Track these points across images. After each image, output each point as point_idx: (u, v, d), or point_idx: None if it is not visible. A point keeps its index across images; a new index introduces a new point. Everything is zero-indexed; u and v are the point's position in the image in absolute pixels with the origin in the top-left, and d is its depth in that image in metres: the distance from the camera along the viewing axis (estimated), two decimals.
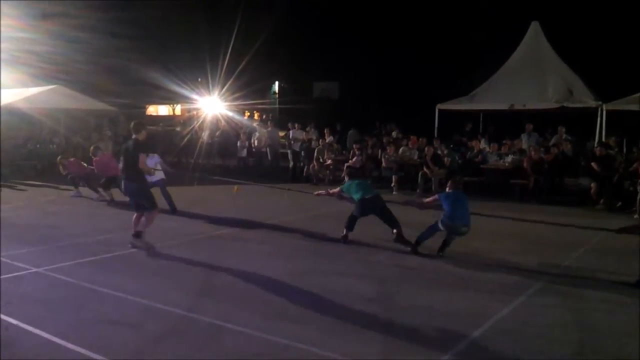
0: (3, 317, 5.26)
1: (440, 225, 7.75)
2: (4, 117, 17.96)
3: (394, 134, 17.59)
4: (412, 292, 6.27)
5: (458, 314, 5.54)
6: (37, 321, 5.16)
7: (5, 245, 7.87)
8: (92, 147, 12.66)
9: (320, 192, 9.91)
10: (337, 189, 9.17)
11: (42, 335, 4.88)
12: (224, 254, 7.92)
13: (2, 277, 6.62)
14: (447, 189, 8.13)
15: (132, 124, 8.27)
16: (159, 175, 11.11)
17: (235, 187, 11.23)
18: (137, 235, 8.04)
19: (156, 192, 11.07)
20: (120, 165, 8.37)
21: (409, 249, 7.95)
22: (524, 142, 15.07)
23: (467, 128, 17.99)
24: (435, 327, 5.20)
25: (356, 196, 8.49)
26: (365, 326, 5.22)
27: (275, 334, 4.93)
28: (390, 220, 8.29)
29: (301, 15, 29.06)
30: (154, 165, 10.96)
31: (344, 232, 8.56)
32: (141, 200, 8.11)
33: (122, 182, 8.18)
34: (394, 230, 8.16)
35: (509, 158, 13.84)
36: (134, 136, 8.13)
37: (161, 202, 11.17)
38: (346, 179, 9.06)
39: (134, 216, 8.21)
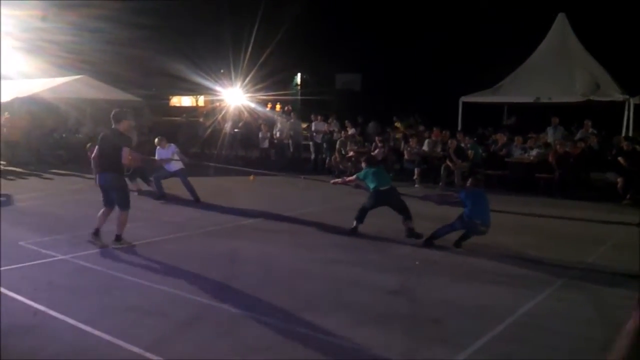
0: (32, 303, 5.37)
1: (458, 224, 7.70)
2: (31, 107, 18.26)
3: (410, 121, 17.41)
4: (434, 285, 6.25)
5: (481, 308, 5.50)
6: (64, 307, 5.25)
7: (32, 233, 8.03)
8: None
9: (336, 180, 9.89)
10: (353, 177, 9.14)
11: (68, 321, 4.97)
12: (247, 245, 7.97)
13: (29, 263, 6.77)
14: (467, 186, 8.06)
15: (113, 112, 7.59)
16: (178, 165, 11.22)
17: (251, 176, 11.26)
18: (97, 233, 7.53)
19: (176, 182, 11.25)
20: (93, 154, 7.78)
21: (421, 239, 7.96)
22: (550, 135, 14.87)
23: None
24: (457, 321, 5.17)
25: (371, 186, 8.47)
26: (388, 318, 5.21)
27: (299, 324, 4.96)
28: (404, 213, 8.26)
29: (324, 6, 28.94)
30: (170, 155, 11.13)
31: (354, 224, 8.53)
32: (113, 194, 7.48)
33: (97, 175, 7.62)
34: (405, 222, 8.17)
35: (534, 152, 13.67)
36: (113, 126, 7.49)
37: (183, 192, 11.33)
38: (364, 165, 9.01)
39: (101, 211, 7.63)
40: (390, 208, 8.42)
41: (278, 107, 28.24)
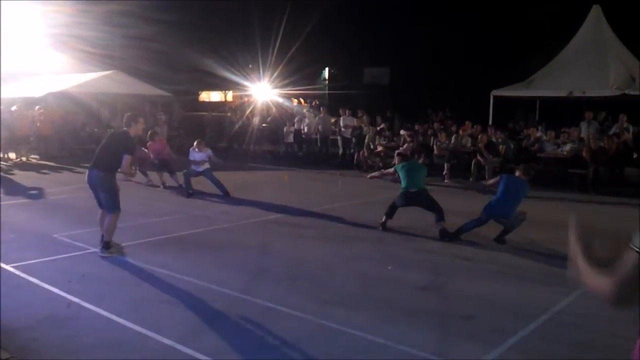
0: (66, 295, 5.45)
1: (484, 216, 7.57)
2: (63, 102, 18.59)
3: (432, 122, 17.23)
4: (465, 282, 6.15)
5: (513, 305, 5.41)
6: (97, 299, 5.32)
7: (65, 226, 8.16)
8: (149, 132, 12.76)
9: (374, 174, 9.80)
10: (391, 169, 9.03)
11: (101, 313, 5.03)
12: (276, 238, 7.98)
13: (63, 256, 6.89)
14: (515, 173, 7.92)
15: (126, 116, 7.29)
16: (206, 165, 11.36)
17: (285, 176, 11.28)
18: (107, 246, 6.88)
19: (204, 180, 11.29)
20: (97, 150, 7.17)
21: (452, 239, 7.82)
22: (583, 130, 14.55)
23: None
24: (489, 318, 5.09)
25: (402, 184, 8.38)
26: (417, 314, 5.15)
27: (328, 318, 4.93)
28: (436, 213, 8.13)
29: (353, 0, 28.77)
30: (205, 158, 11.28)
31: (383, 219, 8.46)
32: (101, 195, 6.89)
33: (88, 170, 7.03)
34: (438, 223, 8.04)
35: (568, 147, 13.40)
36: (125, 128, 7.13)
37: (210, 187, 11.35)
38: (397, 160, 8.90)
39: (99, 213, 7.04)
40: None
41: (302, 102, 28.23)
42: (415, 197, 8.27)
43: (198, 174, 11.39)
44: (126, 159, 6.77)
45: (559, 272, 6.49)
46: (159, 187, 12.22)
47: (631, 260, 1.66)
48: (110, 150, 6.90)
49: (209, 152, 11.49)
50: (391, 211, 8.44)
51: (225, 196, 11.12)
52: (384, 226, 8.45)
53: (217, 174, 11.46)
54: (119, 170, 6.87)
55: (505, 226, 7.63)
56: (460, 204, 9.92)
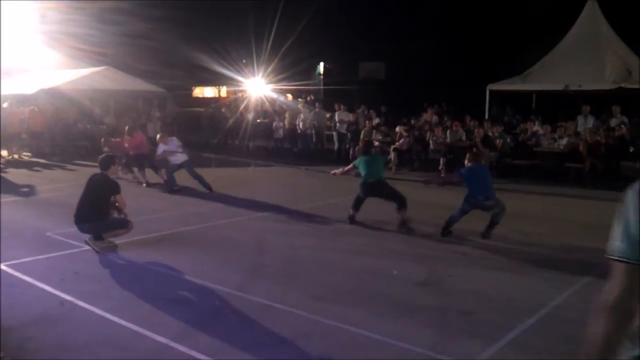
0: (59, 293, 5.38)
1: (466, 206, 7.55)
2: (55, 99, 18.44)
3: (426, 116, 17.16)
4: (463, 276, 6.11)
5: (511, 300, 5.37)
6: (91, 297, 5.26)
7: (58, 224, 8.05)
8: (127, 127, 12.65)
9: (335, 171, 9.70)
10: (350, 166, 8.94)
11: (95, 311, 4.98)
12: (271, 235, 7.92)
13: (56, 254, 6.81)
14: (466, 163, 7.86)
15: (100, 158, 7.29)
16: (183, 157, 11.24)
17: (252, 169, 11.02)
18: (99, 237, 6.90)
19: (182, 174, 11.18)
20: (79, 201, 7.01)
21: (411, 232, 7.80)
22: (580, 124, 14.52)
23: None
24: (487, 313, 5.05)
25: (362, 175, 8.34)
26: (415, 310, 5.11)
27: (325, 315, 4.88)
28: (397, 201, 8.08)
29: None
30: (175, 148, 11.20)
31: (351, 212, 8.44)
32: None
33: (81, 226, 6.91)
34: (399, 213, 7.98)
35: (564, 141, 13.37)
36: (101, 171, 7.15)
37: (193, 183, 11.26)
38: (358, 153, 8.88)
39: None
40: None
41: (290, 96, 28.15)
42: (375, 187, 8.24)
43: (178, 167, 11.24)
44: (119, 199, 6.97)
45: (556, 267, 6.48)
46: (142, 184, 12.01)
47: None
48: (95, 197, 6.92)
49: (175, 140, 11.37)
50: (356, 204, 8.42)
51: (209, 191, 11.02)
52: (351, 219, 8.43)
53: (213, 170, 11.38)
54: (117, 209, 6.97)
55: (492, 216, 7.55)
56: (455, 198, 9.86)
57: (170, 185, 11.17)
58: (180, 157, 11.22)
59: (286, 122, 18.58)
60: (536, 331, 4.69)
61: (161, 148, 11.28)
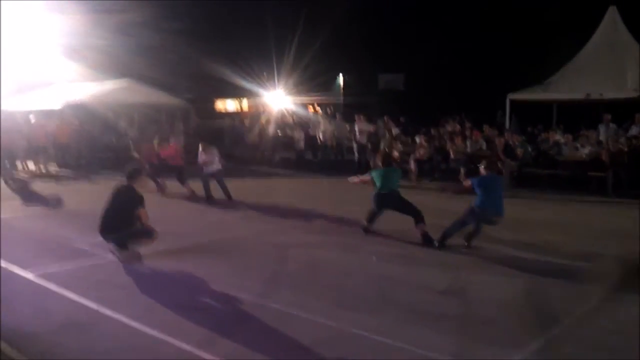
0: (84, 301, 5.48)
1: (470, 217, 7.40)
2: (80, 112, 18.77)
3: (449, 126, 17.13)
4: (485, 284, 6.09)
5: (535, 309, 5.33)
6: (116, 305, 5.33)
7: (83, 234, 8.18)
8: (158, 139, 13.01)
9: (354, 179, 9.69)
10: (367, 176, 8.92)
11: (120, 318, 5.04)
12: (292, 244, 7.96)
13: (82, 263, 6.94)
14: (481, 171, 7.63)
15: (127, 169, 7.39)
16: (216, 167, 11.63)
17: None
18: (124, 247, 6.98)
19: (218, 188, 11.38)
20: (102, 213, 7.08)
21: (435, 245, 7.64)
22: (602, 133, 14.38)
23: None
24: (511, 321, 5.02)
25: (376, 187, 8.31)
26: (437, 317, 5.10)
27: (346, 322, 4.89)
28: (412, 214, 7.99)
29: (364, 7, 28.78)
30: (213, 158, 11.62)
31: (365, 223, 8.44)
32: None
33: (105, 237, 6.99)
34: (417, 226, 7.89)
35: (586, 150, 13.25)
36: (127, 182, 7.17)
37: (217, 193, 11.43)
38: (379, 163, 8.85)
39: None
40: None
41: (314, 108, 28.29)
42: (387, 199, 8.17)
43: (211, 176, 11.55)
44: (142, 212, 6.94)
45: (579, 276, 6.42)
46: (163, 191, 12.33)
47: None
48: (120, 207, 6.97)
49: (215, 151, 11.82)
50: (370, 216, 8.39)
51: (228, 199, 11.35)
52: (365, 230, 8.42)
53: (234, 180, 11.54)
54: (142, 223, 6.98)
55: (480, 226, 7.44)
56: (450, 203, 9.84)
57: (207, 195, 11.54)
58: (214, 167, 11.61)
59: (310, 133, 18.73)
60: (561, 338, 4.65)
61: (202, 157, 11.71)
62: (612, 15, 16.14)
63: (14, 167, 16.23)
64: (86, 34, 23.88)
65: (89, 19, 24.38)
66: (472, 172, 13.97)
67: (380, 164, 8.81)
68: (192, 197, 11.93)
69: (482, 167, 7.65)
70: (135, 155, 13.79)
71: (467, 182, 7.75)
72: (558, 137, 14.58)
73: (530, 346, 4.49)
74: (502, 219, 7.41)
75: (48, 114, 18.65)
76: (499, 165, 7.87)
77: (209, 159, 11.63)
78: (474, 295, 5.75)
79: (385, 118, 18.00)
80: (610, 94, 14.65)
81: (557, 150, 13.82)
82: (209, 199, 11.47)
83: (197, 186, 11.96)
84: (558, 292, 5.86)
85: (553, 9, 22.45)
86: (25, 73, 21.54)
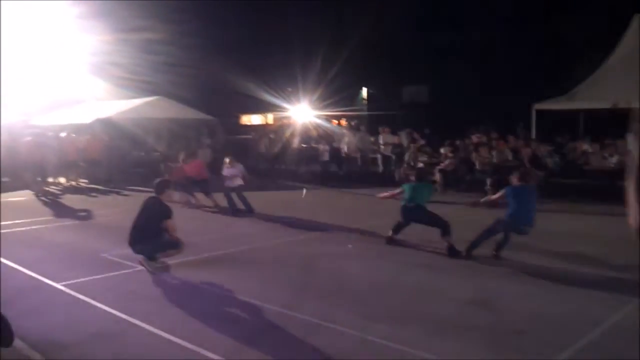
0: (114, 311, 5.57)
1: (500, 226, 7.34)
2: (109, 128, 19.15)
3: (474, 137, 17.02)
4: (514, 295, 6.03)
5: (564, 319, 5.26)
6: (145, 316, 5.41)
7: (113, 246, 8.32)
8: (183, 155, 13.27)
9: (384, 194, 9.67)
10: (399, 190, 8.90)
11: (149, 329, 5.11)
12: (318, 255, 7.98)
13: (112, 274, 7.06)
14: (513, 181, 7.55)
15: (155, 182, 7.57)
16: (238, 182, 11.86)
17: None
18: (153, 258, 7.20)
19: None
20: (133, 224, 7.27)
21: (462, 254, 7.59)
22: (630, 142, 14.12)
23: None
24: (540, 332, 4.96)
25: (403, 200, 8.33)
26: (466, 329, 5.06)
27: (373, 333, 4.89)
28: (439, 226, 7.97)
29: (388, 20, 28.87)
30: (237, 173, 11.90)
31: (390, 234, 8.47)
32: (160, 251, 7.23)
33: (134, 248, 7.17)
34: (443, 238, 7.86)
35: (615, 159, 13.05)
36: (155, 195, 7.38)
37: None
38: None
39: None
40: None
41: (343, 122, 28.46)
42: (413, 213, 8.19)
43: (232, 190, 11.74)
44: (169, 223, 7.09)
45: (609, 286, 6.31)
46: (179, 204, 12.42)
47: None
48: (148, 219, 7.16)
49: (241, 166, 12.09)
50: (396, 227, 8.44)
51: (250, 212, 11.50)
52: (389, 240, 8.45)
53: (260, 193, 11.65)
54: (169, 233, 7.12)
55: (506, 236, 7.38)
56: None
57: (231, 208, 11.71)
58: (236, 181, 11.82)
59: (335, 146, 18.83)
60: (591, 351, 4.59)
61: (226, 171, 11.94)
62: (637, 23, 15.94)
63: (46, 181, 16.61)
64: (113, 53, 24.44)
65: (116, 39, 24.96)
66: (499, 183, 13.92)
67: (413, 178, 8.88)
68: (217, 210, 12.12)
69: (515, 177, 7.58)
70: (165, 176, 13.97)
71: (500, 193, 7.71)
72: (586, 146, 14.39)
73: (560, 356, 4.43)
74: (531, 229, 7.34)
75: (79, 129, 19.05)
76: (532, 175, 7.75)
77: (234, 173, 11.85)
78: (503, 306, 5.69)
79: (409, 130, 18.02)
80: (637, 103, 14.40)
81: (584, 159, 13.64)
82: (234, 212, 11.61)
83: (221, 199, 12.12)
84: (589, 302, 5.77)
85: (578, 18, 22.25)
86: (57, 91, 22.11)
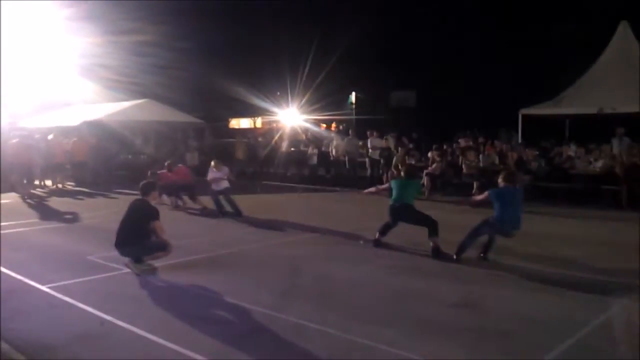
0: (99, 313, 5.54)
1: (486, 228, 7.37)
2: (97, 130, 19.07)
3: (462, 141, 17.17)
4: (499, 298, 6.06)
5: (549, 321, 5.29)
6: (130, 318, 5.38)
7: (98, 248, 8.29)
8: (167, 163, 13.28)
9: (370, 189, 9.65)
10: (386, 185, 8.87)
11: (135, 330, 5.09)
12: (305, 258, 7.98)
13: (97, 276, 7.02)
14: (499, 183, 7.53)
15: (141, 184, 7.51)
16: (225, 184, 11.87)
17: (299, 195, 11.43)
18: (139, 260, 7.12)
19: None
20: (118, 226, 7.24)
21: (454, 257, 7.58)
22: (615, 147, 14.31)
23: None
24: (525, 334, 4.99)
25: (390, 200, 8.33)
26: (451, 330, 5.08)
27: (360, 335, 4.90)
28: (427, 225, 7.97)
29: (376, 25, 29.03)
30: (223, 176, 11.89)
31: (377, 236, 8.47)
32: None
33: (121, 250, 7.14)
34: (430, 239, 7.87)
35: (600, 163, 13.19)
36: (141, 197, 7.36)
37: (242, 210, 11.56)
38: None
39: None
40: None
41: (333, 126, 28.54)
42: (400, 212, 8.18)
43: (219, 193, 11.76)
44: (157, 225, 7.04)
45: (594, 289, 6.37)
46: (166, 205, 12.48)
47: None
48: (135, 221, 7.11)
49: (226, 169, 12.09)
50: (384, 228, 8.44)
51: (238, 216, 11.45)
52: (376, 243, 8.43)
53: (248, 196, 11.64)
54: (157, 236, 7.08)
55: (494, 238, 7.43)
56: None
57: (218, 210, 11.73)
58: (222, 184, 11.83)
59: (323, 149, 18.88)
60: (576, 352, 4.62)
61: (211, 174, 11.92)
62: (623, 30, 16.16)
63: (32, 183, 16.49)
64: (102, 55, 24.35)
65: (104, 41, 24.85)
66: (485, 186, 14.01)
67: (403, 174, 8.83)
68: (204, 212, 12.15)
69: (500, 179, 7.58)
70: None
71: (484, 194, 7.72)
72: (571, 151, 14.54)
73: (546, 358, 4.46)
74: (518, 231, 7.39)
75: (66, 132, 18.95)
76: (518, 177, 7.76)
77: (219, 176, 11.85)
78: (488, 308, 5.73)
79: (397, 134, 18.12)
80: (623, 108, 14.60)
81: (570, 164, 13.77)
82: (221, 214, 11.62)
83: (208, 201, 12.12)
84: (574, 304, 5.83)
85: (565, 24, 22.51)
86: (45, 94, 21.98)
